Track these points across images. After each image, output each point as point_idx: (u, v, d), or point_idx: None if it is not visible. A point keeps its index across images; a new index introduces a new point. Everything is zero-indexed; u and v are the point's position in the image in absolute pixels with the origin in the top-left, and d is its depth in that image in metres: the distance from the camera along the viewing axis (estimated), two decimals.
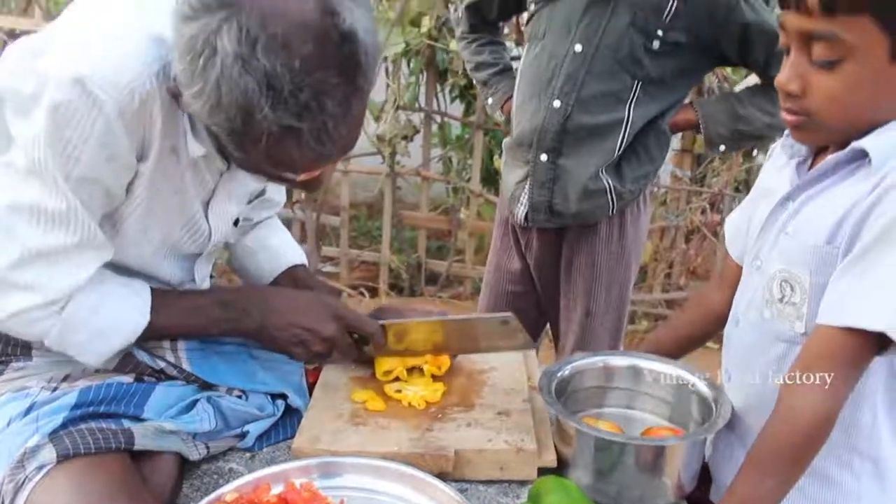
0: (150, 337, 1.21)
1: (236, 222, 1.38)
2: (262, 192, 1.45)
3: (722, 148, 1.74)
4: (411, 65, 3.72)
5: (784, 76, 1.07)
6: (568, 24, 1.66)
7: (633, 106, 1.66)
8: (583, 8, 1.64)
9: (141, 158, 1.11)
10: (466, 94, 3.91)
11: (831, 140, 1.12)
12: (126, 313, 1.18)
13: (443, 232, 4.06)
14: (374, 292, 3.89)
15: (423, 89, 3.79)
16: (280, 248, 1.55)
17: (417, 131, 3.68)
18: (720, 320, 1.31)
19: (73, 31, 1.09)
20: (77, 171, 1.05)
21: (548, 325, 2.05)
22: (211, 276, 1.52)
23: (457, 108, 4.05)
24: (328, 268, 4.13)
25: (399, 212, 3.95)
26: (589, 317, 1.80)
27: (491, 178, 3.85)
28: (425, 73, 3.74)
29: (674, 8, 1.59)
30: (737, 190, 3.79)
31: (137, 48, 1.05)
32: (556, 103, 1.67)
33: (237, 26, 0.91)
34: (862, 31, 0.99)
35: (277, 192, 1.52)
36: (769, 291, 1.15)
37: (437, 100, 3.84)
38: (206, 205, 1.27)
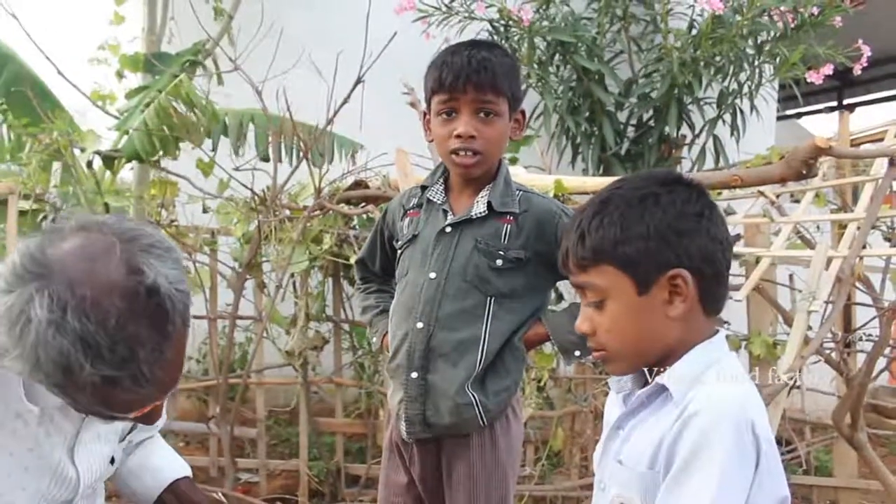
0: None
1: (112, 460, 1.46)
2: (134, 427, 1.51)
3: (577, 353, 1.90)
4: (317, 278, 3.90)
5: (578, 320, 1.28)
6: (424, 257, 1.90)
7: (489, 322, 1.85)
8: (433, 241, 1.89)
9: None
10: None
11: (636, 367, 1.29)
12: None
13: (361, 434, 4.11)
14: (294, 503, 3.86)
15: (330, 298, 3.96)
16: (162, 465, 1.64)
17: (327, 342, 3.81)
18: None
19: None
20: None
21: None
22: None
23: None
24: (248, 477, 4.10)
25: (316, 419, 4.00)
26: None
27: None
28: (332, 284, 3.93)
29: (509, 231, 1.86)
30: None
31: None
32: (420, 324, 1.87)
33: (48, 295, 1.02)
34: (608, 275, 1.22)
35: None
36: None
37: (345, 308, 4.00)
38: (72, 451, 1.36)
